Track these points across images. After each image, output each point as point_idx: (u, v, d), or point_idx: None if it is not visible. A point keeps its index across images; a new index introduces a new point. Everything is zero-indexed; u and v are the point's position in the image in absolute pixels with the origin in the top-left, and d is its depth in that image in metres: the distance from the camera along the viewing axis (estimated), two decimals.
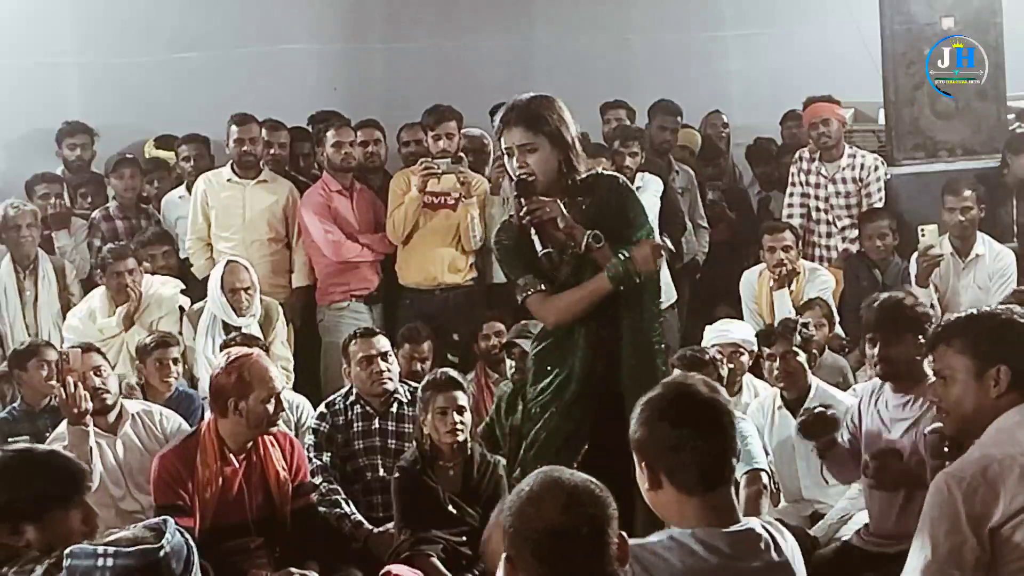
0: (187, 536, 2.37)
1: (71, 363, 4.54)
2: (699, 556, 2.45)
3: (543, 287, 3.86)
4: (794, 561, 2.60)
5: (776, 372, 5.05)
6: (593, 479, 2.32)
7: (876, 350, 4.21)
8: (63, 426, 4.61)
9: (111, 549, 2.27)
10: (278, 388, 4.39)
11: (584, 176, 3.91)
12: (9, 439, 5.03)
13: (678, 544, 2.46)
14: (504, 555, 2.28)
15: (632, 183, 5.22)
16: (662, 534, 2.51)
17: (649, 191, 6.63)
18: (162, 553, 2.28)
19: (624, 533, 2.29)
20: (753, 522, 2.55)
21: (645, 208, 4.02)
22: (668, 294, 6.75)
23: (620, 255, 3.78)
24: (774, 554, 2.54)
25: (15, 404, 5.50)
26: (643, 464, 2.56)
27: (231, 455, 4.40)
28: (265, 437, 4.48)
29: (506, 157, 3.87)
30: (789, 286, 6.35)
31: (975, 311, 3.16)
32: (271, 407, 4.35)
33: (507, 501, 2.32)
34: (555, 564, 2.23)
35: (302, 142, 7.36)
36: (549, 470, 2.34)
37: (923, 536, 2.80)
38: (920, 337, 4.06)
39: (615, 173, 4.14)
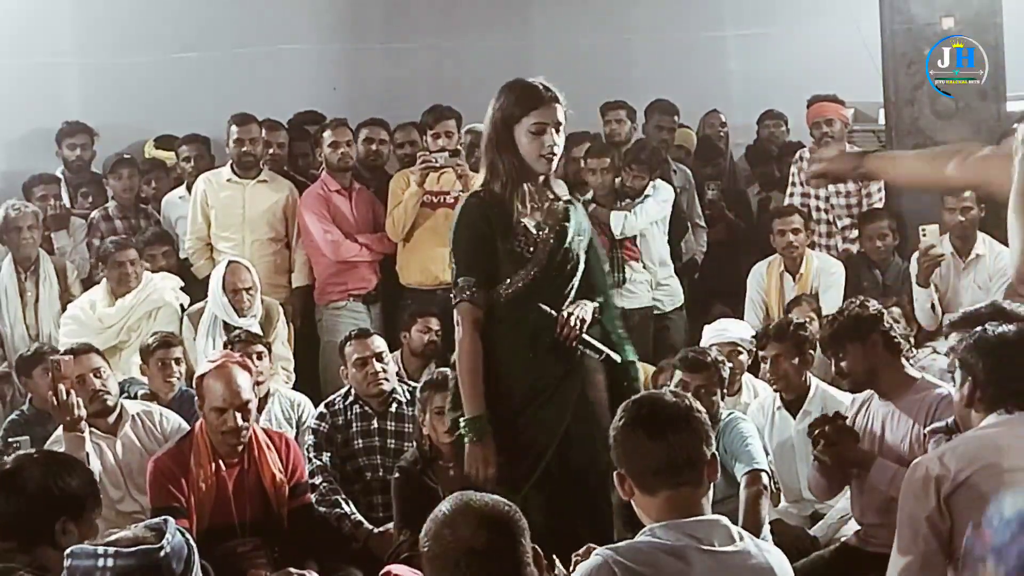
0: (187, 536, 2.38)
1: (63, 370, 4.51)
2: (671, 541, 2.54)
3: (478, 296, 3.70)
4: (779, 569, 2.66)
5: (768, 375, 5.04)
6: (503, 499, 2.47)
7: (833, 367, 4.41)
8: (60, 431, 4.59)
9: (111, 549, 2.28)
10: (236, 401, 4.34)
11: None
12: (10, 439, 5.04)
13: (648, 538, 2.58)
14: None
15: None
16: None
17: (658, 198, 6.63)
18: (162, 553, 2.28)
19: (537, 546, 2.46)
20: (722, 518, 2.66)
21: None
22: (676, 296, 6.79)
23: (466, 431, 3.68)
24: (752, 548, 2.62)
25: (24, 407, 5.52)
26: (617, 471, 2.69)
27: (223, 457, 4.40)
28: (260, 439, 4.48)
29: (528, 135, 3.72)
30: (797, 271, 6.45)
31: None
32: (227, 419, 4.32)
33: (424, 527, 2.43)
34: None
35: (300, 142, 7.37)
36: (460, 494, 2.49)
37: (900, 519, 3.14)
38: (877, 341, 4.19)
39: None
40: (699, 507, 2.64)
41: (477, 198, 3.80)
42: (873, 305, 4.34)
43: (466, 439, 3.68)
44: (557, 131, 3.76)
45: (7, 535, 2.99)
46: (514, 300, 3.76)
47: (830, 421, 4.23)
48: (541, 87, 3.78)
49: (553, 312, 3.76)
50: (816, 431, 4.21)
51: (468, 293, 3.71)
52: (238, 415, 4.34)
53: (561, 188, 3.95)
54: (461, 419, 3.71)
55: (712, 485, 2.71)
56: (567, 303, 3.81)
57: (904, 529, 3.13)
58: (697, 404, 2.72)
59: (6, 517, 3.02)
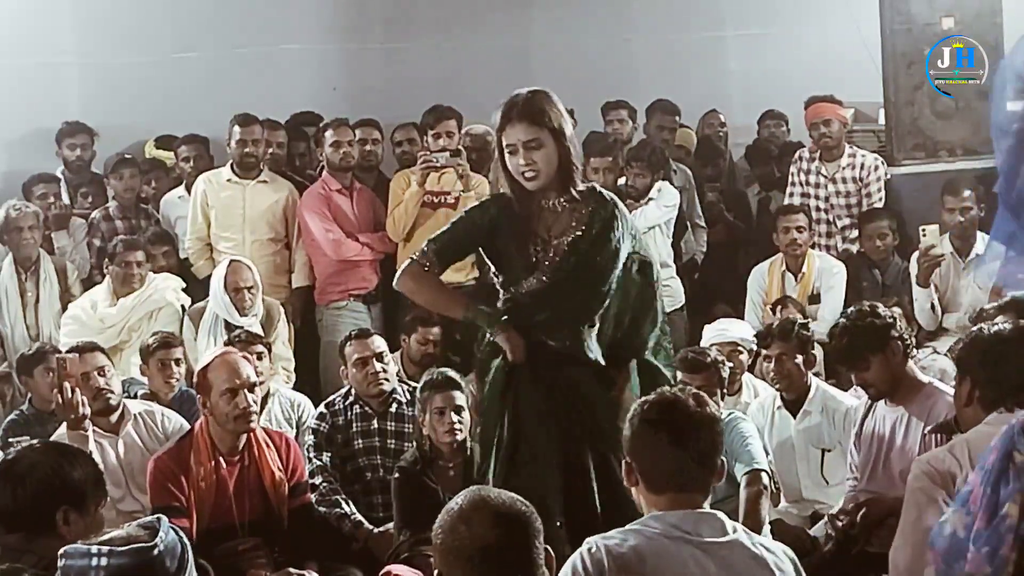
0: (181, 534, 2.38)
1: (68, 368, 4.52)
2: (659, 532, 2.59)
3: (429, 264, 3.76)
4: (779, 564, 2.67)
5: (771, 374, 5.04)
6: (519, 498, 2.44)
7: (855, 378, 4.41)
8: (63, 429, 4.60)
9: (105, 548, 2.28)
10: (246, 381, 4.34)
11: (581, 187, 3.80)
12: (10, 439, 5.04)
13: (638, 527, 2.62)
14: (436, 572, 2.38)
15: None
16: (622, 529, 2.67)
17: (661, 202, 6.62)
18: (156, 551, 2.29)
19: (549, 547, 2.43)
20: (717, 512, 2.68)
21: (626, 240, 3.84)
22: (676, 297, 6.79)
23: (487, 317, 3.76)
24: (744, 540, 2.63)
25: (24, 406, 5.51)
26: (626, 459, 2.73)
27: (223, 456, 4.40)
28: (260, 438, 4.47)
29: (507, 155, 3.73)
30: (799, 271, 6.47)
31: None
32: (238, 401, 4.31)
33: (437, 521, 2.40)
34: None
35: (297, 142, 7.37)
36: (476, 489, 2.45)
37: (908, 500, 3.18)
38: (897, 348, 4.17)
39: (610, 196, 3.90)
40: (699, 508, 2.67)
41: (502, 198, 3.83)
42: (883, 311, 4.30)
43: (491, 334, 3.76)
44: (532, 149, 3.66)
45: (12, 526, 2.99)
46: (525, 305, 3.75)
47: (835, 518, 4.29)
48: (514, 104, 3.71)
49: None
50: (842, 526, 4.25)
51: (421, 260, 3.77)
52: (249, 395, 4.34)
53: (590, 194, 3.83)
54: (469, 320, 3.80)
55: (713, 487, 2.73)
56: (594, 315, 3.78)
57: (911, 507, 3.13)
58: (718, 412, 2.74)
59: (8, 507, 3.02)
